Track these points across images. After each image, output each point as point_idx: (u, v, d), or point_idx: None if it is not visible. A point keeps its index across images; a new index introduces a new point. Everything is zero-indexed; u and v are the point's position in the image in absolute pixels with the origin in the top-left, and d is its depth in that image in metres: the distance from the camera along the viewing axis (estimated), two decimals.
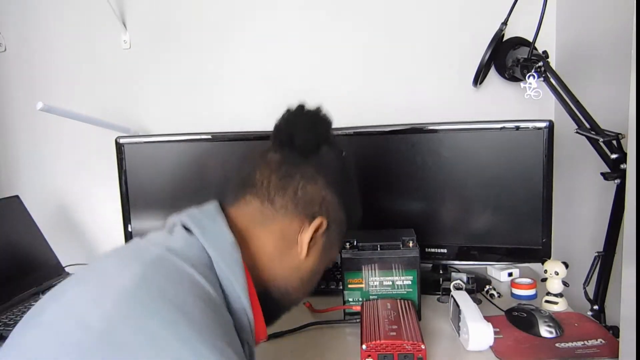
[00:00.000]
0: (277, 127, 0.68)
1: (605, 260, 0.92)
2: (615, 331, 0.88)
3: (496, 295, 1.09)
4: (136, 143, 1.21)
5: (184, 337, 0.44)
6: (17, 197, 1.29)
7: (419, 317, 0.94)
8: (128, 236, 1.23)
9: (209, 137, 1.21)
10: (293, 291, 0.67)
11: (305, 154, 0.66)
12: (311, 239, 0.65)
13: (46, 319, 0.47)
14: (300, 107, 0.68)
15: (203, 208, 0.63)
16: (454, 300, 0.92)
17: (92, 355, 0.42)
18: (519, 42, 1.18)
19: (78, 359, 0.42)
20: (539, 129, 1.07)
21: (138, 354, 0.42)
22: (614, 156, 0.88)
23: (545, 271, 1.00)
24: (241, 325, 0.56)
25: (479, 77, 1.23)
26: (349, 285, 0.96)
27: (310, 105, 0.68)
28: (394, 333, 0.79)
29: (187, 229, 0.59)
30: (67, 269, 1.32)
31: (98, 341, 0.43)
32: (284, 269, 0.65)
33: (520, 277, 1.17)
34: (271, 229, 0.64)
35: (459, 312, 0.88)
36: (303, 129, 0.66)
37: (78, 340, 0.43)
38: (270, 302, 0.65)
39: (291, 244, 0.65)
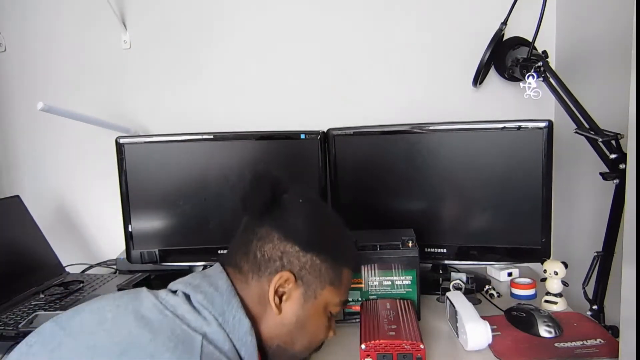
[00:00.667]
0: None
1: (605, 260, 0.92)
2: (614, 331, 0.88)
3: (496, 295, 1.09)
4: (136, 143, 1.21)
5: None
6: (17, 197, 1.30)
7: (419, 317, 0.94)
8: (128, 236, 1.23)
9: (210, 137, 1.21)
10: (288, 346, 0.69)
11: (257, 217, 0.68)
12: (283, 293, 0.67)
13: None
14: (252, 174, 0.70)
15: (217, 285, 0.65)
16: (450, 301, 0.92)
17: None
18: (518, 42, 1.18)
19: None
20: (539, 129, 1.07)
21: None
22: (613, 156, 0.88)
23: (545, 271, 1.00)
24: None
25: (479, 77, 1.23)
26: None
27: (261, 169, 0.70)
28: (393, 333, 0.79)
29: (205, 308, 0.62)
30: (67, 269, 1.33)
31: None
32: (270, 329, 0.67)
33: (520, 277, 1.17)
34: (248, 295, 0.67)
35: (456, 312, 0.88)
36: (249, 195, 0.68)
37: None
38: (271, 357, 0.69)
39: (267, 304, 0.67)
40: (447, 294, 0.95)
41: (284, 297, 0.67)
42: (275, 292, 0.66)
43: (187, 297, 0.63)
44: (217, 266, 0.70)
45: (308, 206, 0.71)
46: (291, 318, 0.68)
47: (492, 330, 0.84)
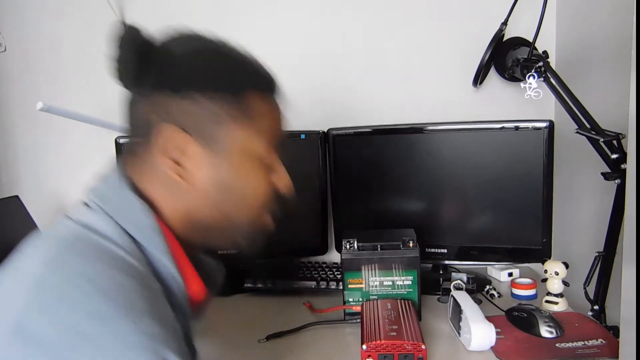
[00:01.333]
0: None
1: (606, 260, 0.92)
2: (615, 331, 0.88)
3: (496, 295, 1.09)
4: None
5: (109, 326, 0.41)
6: (17, 197, 1.29)
7: (419, 317, 0.94)
8: None
9: None
10: (223, 221, 0.57)
11: (128, 83, 0.57)
12: (177, 157, 0.53)
13: None
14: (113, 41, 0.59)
15: (106, 177, 0.57)
16: (455, 300, 0.92)
17: (4, 355, 0.40)
18: (519, 42, 1.18)
19: None
20: (539, 129, 1.07)
21: (57, 350, 0.40)
22: (614, 156, 0.88)
23: (546, 271, 1.00)
24: (172, 291, 0.52)
25: (479, 77, 1.23)
26: (349, 286, 0.96)
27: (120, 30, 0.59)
28: (394, 333, 0.79)
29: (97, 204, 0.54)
30: None
31: (10, 339, 0.41)
32: (190, 208, 0.55)
33: (520, 277, 1.17)
34: (148, 173, 0.55)
35: (460, 312, 0.88)
36: (115, 66, 0.58)
37: None
38: (207, 244, 0.59)
39: (171, 180, 0.55)
40: (452, 293, 0.95)
41: (181, 161, 0.53)
42: (167, 155, 0.53)
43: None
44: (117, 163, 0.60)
45: (175, 45, 0.56)
46: (205, 183, 0.54)
47: (497, 333, 0.83)
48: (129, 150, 0.57)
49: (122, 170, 0.57)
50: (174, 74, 0.54)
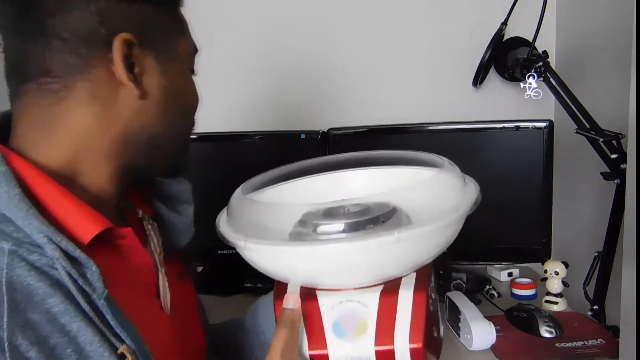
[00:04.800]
0: None
1: (605, 260, 0.92)
2: (615, 331, 0.88)
3: (496, 295, 1.09)
4: None
5: None
6: None
7: None
8: None
9: (210, 136, 1.20)
10: (165, 134, 0.52)
11: None
12: (132, 67, 0.48)
13: None
14: None
15: None
16: (450, 301, 0.92)
17: None
18: (519, 42, 1.18)
19: None
20: (539, 128, 1.07)
21: None
22: (613, 156, 0.88)
23: (545, 271, 1.00)
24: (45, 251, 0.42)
25: (479, 77, 1.23)
26: None
27: None
28: None
29: None
30: None
31: None
32: (125, 126, 0.49)
33: (520, 277, 1.17)
34: (73, 99, 0.47)
35: (458, 312, 0.87)
36: None
37: None
38: (139, 165, 0.52)
39: (112, 95, 0.48)
40: (448, 293, 0.95)
41: (136, 71, 0.48)
42: (125, 67, 0.47)
43: None
44: None
45: None
46: (157, 94, 0.50)
47: (496, 331, 0.84)
48: (39, 74, 0.46)
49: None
50: None
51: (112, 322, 0.42)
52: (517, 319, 0.93)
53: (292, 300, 0.45)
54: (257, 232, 0.44)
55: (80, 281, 0.41)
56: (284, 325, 0.44)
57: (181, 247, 0.59)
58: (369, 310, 0.43)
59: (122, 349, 0.42)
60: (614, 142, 0.88)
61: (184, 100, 0.54)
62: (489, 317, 0.85)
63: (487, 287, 1.11)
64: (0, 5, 0.47)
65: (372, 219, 0.44)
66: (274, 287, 0.48)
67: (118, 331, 0.42)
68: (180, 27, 0.54)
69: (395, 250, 0.42)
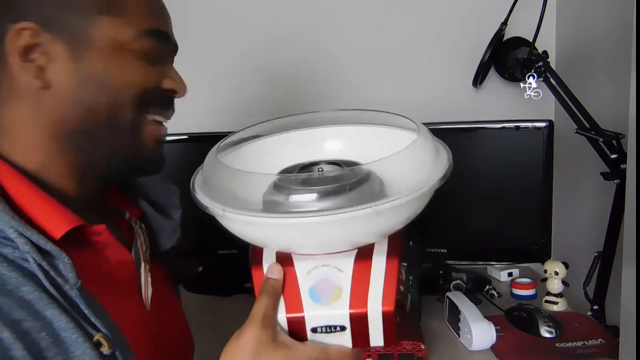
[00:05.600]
0: None
1: (605, 260, 0.92)
2: (615, 331, 0.88)
3: (496, 295, 1.09)
4: None
5: None
6: None
7: (419, 317, 0.94)
8: None
9: (204, 136, 1.20)
10: (90, 125, 0.48)
11: None
12: (33, 60, 0.45)
13: None
14: None
15: None
16: (450, 301, 0.92)
17: None
18: (519, 42, 1.18)
19: None
20: (539, 128, 1.07)
21: None
22: (613, 156, 0.88)
23: (545, 271, 1.00)
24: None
25: (479, 77, 1.23)
26: None
27: None
28: None
29: None
30: None
31: None
32: (54, 114, 0.47)
33: (520, 277, 1.17)
34: (1, 102, 0.46)
35: (458, 312, 0.88)
36: None
37: None
38: (87, 158, 0.50)
39: (24, 89, 0.46)
40: (448, 293, 0.95)
41: (40, 63, 0.45)
42: (21, 58, 0.44)
43: None
44: None
45: None
46: (71, 84, 0.46)
47: (496, 331, 0.84)
48: None
49: None
50: None
51: (87, 311, 0.42)
52: (517, 319, 0.93)
53: (276, 270, 0.46)
54: (233, 200, 0.44)
55: (52, 272, 0.42)
56: (266, 293, 0.45)
57: (166, 250, 0.60)
58: (343, 275, 0.45)
59: (97, 336, 0.42)
60: (614, 142, 0.88)
61: (107, 89, 0.48)
62: (489, 317, 0.85)
63: (487, 287, 1.11)
64: None
65: (346, 185, 0.43)
66: (250, 252, 0.49)
67: (93, 319, 0.43)
68: (102, 6, 0.47)
69: (372, 221, 0.42)
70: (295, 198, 0.43)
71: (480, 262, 1.20)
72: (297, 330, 0.45)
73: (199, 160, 0.57)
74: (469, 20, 1.31)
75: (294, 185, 0.44)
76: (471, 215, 1.14)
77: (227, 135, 0.56)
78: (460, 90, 1.32)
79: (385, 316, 0.43)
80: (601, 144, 0.89)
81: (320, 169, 0.48)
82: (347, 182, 0.43)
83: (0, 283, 0.40)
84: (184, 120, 1.40)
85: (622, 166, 0.87)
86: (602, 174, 0.90)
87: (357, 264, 0.45)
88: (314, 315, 0.44)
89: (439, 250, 1.17)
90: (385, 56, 1.35)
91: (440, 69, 1.33)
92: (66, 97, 0.47)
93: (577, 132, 0.94)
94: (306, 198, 0.43)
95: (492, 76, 1.29)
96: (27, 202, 0.45)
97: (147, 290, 0.54)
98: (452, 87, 1.33)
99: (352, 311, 0.44)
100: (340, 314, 0.44)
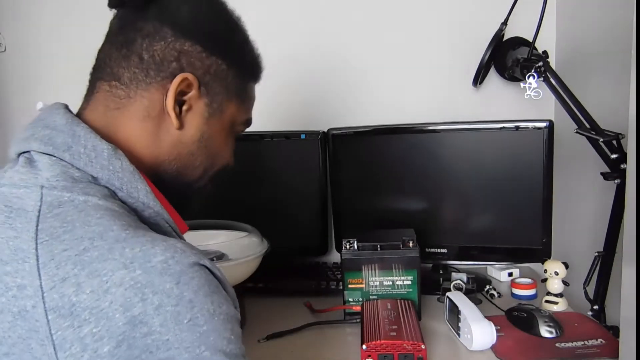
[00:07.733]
0: None
1: (605, 260, 0.92)
2: (615, 331, 0.88)
3: (496, 295, 1.09)
4: None
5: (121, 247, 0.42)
6: None
7: (419, 317, 0.94)
8: None
9: None
10: (188, 171, 0.59)
11: (139, 7, 0.55)
12: (183, 103, 0.56)
13: None
14: None
15: (50, 123, 0.54)
16: (451, 301, 0.92)
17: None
18: (519, 42, 1.18)
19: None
20: (539, 129, 1.07)
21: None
22: (614, 156, 0.88)
23: (545, 271, 1.00)
24: (162, 231, 0.52)
25: (479, 77, 1.23)
26: (349, 286, 0.96)
27: None
28: (394, 333, 0.79)
29: (46, 154, 0.51)
30: None
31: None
32: (164, 149, 0.56)
33: (520, 277, 1.17)
34: (131, 110, 0.55)
35: (458, 312, 0.88)
36: None
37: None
38: (169, 190, 0.57)
39: (160, 118, 0.55)
40: (448, 293, 0.95)
41: (184, 107, 0.56)
42: (175, 99, 0.54)
43: (23, 156, 0.53)
44: (52, 105, 0.59)
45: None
46: (194, 134, 0.57)
47: (496, 331, 0.84)
48: (111, 77, 0.56)
49: (68, 115, 0.56)
50: (206, 30, 0.56)
51: None
52: (517, 319, 0.93)
53: None
54: None
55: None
56: None
57: None
58: None
59: None
60: (614, 142, 0.88)
61: (214, 152, 0.61)
62: (489, 317, 0.85)
63: (487, 287, 1.11)
64: (113, 19, 0.59)
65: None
66: None
67: None
68: (241, 96, 0.62)
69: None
70: None
71: (480, 262, 1.20)
72: None
73: None
74: (469, 20, 1.31)
75: None
76: (471, 215, 1.15)
77: None
78: (460, 90, 1.32)
79: None
80: (601, 144, 0.89)
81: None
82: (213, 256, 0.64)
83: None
84: None
85: (622, 166, 0.87)
86: (602, 174, 0.90)
87: None
88: None
89: (439, 250, 1.17)
90: (386, 56, 1.35)
91: (440, 69, 1.33)
92: (188, 144, 0.58)
93: (577, 132, 0.94)
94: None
95: (492, 76, 1.29)
96: (161, 199, 0.54)
97: None
98: (452, 87, 1.33)
99: None
100: None
